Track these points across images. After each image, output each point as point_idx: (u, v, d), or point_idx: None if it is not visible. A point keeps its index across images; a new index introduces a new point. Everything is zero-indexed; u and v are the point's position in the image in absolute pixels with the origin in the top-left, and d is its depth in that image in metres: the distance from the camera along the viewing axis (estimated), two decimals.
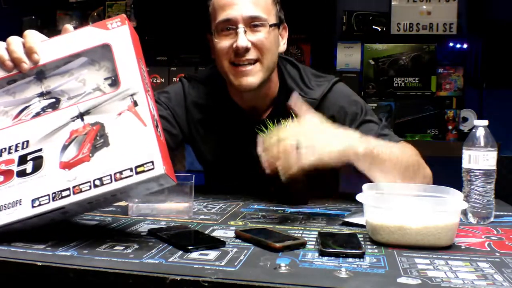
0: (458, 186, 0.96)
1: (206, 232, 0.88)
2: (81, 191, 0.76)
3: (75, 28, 0.87)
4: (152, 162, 0.75)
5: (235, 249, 0.77)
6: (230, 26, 1.15)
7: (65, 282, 0.68)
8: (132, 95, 0.79)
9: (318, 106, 1.24)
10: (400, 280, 0.64)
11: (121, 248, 0.77)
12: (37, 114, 0.82)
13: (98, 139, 0.78)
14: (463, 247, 0.82)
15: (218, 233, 0.88)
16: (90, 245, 0.77)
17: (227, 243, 0.80)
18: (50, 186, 0.77)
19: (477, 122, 1.00)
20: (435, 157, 2.47)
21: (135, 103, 0.79)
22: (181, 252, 0.75)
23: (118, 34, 0.83)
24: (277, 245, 0.77)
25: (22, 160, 0.79)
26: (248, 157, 1.19)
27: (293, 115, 1.17)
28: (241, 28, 1.14)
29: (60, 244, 0.77)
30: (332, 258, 0.74)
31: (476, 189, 0.98)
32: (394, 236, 0.81)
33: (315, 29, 2.96)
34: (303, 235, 0.87)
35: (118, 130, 0.78)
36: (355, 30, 2.95)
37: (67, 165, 0.78)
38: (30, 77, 0.85)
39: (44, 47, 0.84)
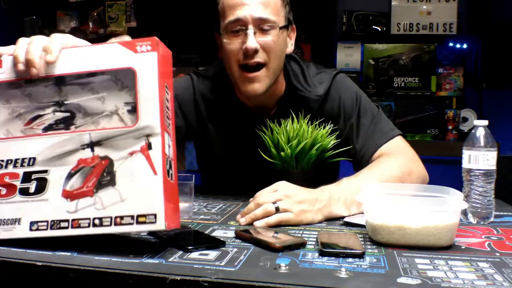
0: (458, 186, 0.96)
1: (206, 232, 0.88)
2: (79, 227, 0.74)
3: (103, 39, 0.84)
4: (155, 215, 0.72)
5: (235, 249, 0.77)
6: (239, 26, 1.15)
7: (65, 282, 0.68)
8: (148, 136, 0.75)
9: (322, 101, 1.25)
10: (400, 280, 0.64)
11: (121, 248, 0.77)
12: (50, 127, 0.79)
13: (105, 175, 0.75)
14: (463, 247, 0.82)
15: (218, 233, 0.88)
16: (90, 245, 0.77)
17: (227, 243, 0.80)
18: (50, 212, 0.76)
19: (477, 122, 1.00)
20: (435, 157, 2.49)
21: (149, 146, 0.74)
22: (181, 252, 0.75)
23: (145, 60, 0.76)
24: (277, 245, 0.77)
25: (27, 177, 0.77)
26: (251, 155, 1.19)
27: (297, 114, 1.19)
28: (250, 29, 1.14)
29: (60, 244, 0.77)
30: (332, 258, 0.74)
31: (476, 189, 0.98)
32: (394, 236, 0.81)
33: (315, 29, 2.96)
34: (303, 235, 0.87)
35: (126, 171, 0.74)
36: (355, 30, 2.95)
37: (70, 195, 0.75)
38: (49, 82, 0.80)
39: (66, 55, 0.79)
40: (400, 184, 1.00)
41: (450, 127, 2.81)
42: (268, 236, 0.81)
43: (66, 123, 0.79)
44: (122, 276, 0.66)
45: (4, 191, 0.78)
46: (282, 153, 1.14)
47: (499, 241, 0.86)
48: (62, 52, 0.80)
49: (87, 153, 0.76)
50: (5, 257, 0.71)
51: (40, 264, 0.69)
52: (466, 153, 1.00)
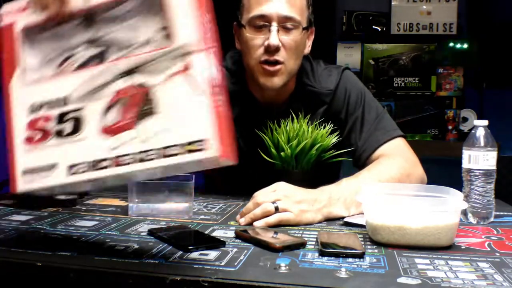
0: (458, 186, 0.96)
1: (206, 232, 0.88)
2: (122, 164, 0.67)
3: None
4: (205, 141, 0.63)
5: (235, 249, 0.77)
6: (264, 22, 1.15)
7: (65, 282, 0.68)
8: (187, 54, 0.66)
9: (333, 95, 1.27)
10: (400, 280, 0.64)
11: (121, 248, 0.77)
12: (82, 65, 0.72)
13: (145, 104, 0.67)
14: (463, 247, 0.82)
15: (218, 233, 0.88)
16: (90, 245, 0.77)
17: (227, 243, 0.80)
18: (89, 152, 0.68)
19: (477, 122, 1.00)
20: (435, 157, 2.49)
21: (190, 65, 0.66)
22: (181, 252, 0.75)
23: None
24: (277, 245, 0.77)
25: (61, 118, 0.71)
26: (257, 151, 1.19)
27: (308, 110, 1.21)
28: (274, 26, 1.14)
29: (60, 244, 0.77)
30: (332, 258, 0.74)
31: (476, 189, 0.98)
32: (394, 236, 0.81)
33: (315, 29, 2.96)
34: (303, 235, 0.87)
35: (168, 96, 0.66)
36: (355, 30, 2.95)
37: (109, 131, 0.68)
38: (78, 20, 0.73)
39: None
40: (400, 184, 1.00)
41: (450, 127, 2.81)
42: (268, 236, 0.81)
43: (99, 59, 0.72)
44: (122, 276, 0.66)
45: (38, 136, 0.71)
46: (282, 153, 1.14)
47: (499, 241, 0.86)
48: None
49: (122, 83, 0.69)
50: (5, 257, 0.71)
51: (40, 264, 0.69)
52: (466, 153, 1.00)
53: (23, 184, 0.71)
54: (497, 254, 0.78)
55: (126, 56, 0.70)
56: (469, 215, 0.99)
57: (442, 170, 1.87)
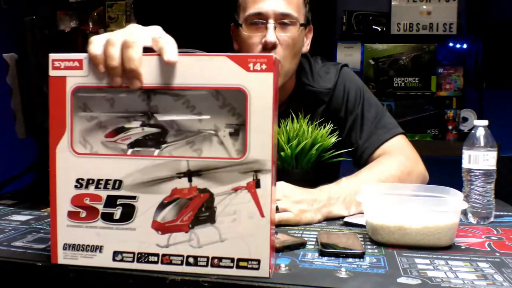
0: (458, 186, 0.96)
1: None
2: (170, 263, 0.66)
3: None
4: (259, 262, 0.64)
5: None
6: (260, 20, 1.15)
7: (65, 282, 0.68)
8: (256, 171, 0.64)
9: (331, 94, 1.27)
10: (400, 280, 0.64)
11: None
12: (137, 144, 0.68)
13: (203, 211, 0.66)
14: (463, 247, 0.82)
15: None
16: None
17: None
18: (137, 243, 0.67)
19: (477, 122, 1.00)
20: (435, 157, 2.49)
21: (258, 184, 0.64)
22: None
23: (260, 82, 0.64)
24: (277, 245, 0.77)
25: (111, 202, 0.68)
26: None
27: (308, 109, 1.21)
28: (271, 23, 1.14)
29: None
30: (332, 258, 0.74)
31: (476, 189, 0.98)
32: (394, 236, 0.81)
33: (315, 29, 2.96)
34: (303, 235, 0.87)
35: (228, 208, 0.65)
36: (355, 30, 2.95)
37: (161, 228, 0.67)
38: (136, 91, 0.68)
39: (157, 62, 0.66)
40: (400, 184, 1.00)
41: (450, 127, 2.81)
42: None
43: (156, 140, 0.68)
44: (122, 276, 0.66)
45: (83, 214, 0.68)
46: (282, 153, 1.14)
47: (499, 241, 0.86)
48: (153, 59, 0.66)
49: (183, 183, 0.66)
50: (5, 257, 0.72)
51: (40, 264, 0.69)
52: (466, 153, 1.00)
53: (64, 258, 0.69)
54: (497, 254, 0.78)
55: (192, 156, 0.67)
56: (469, 215, 0.99)
57: (442, 170, 1.87)
